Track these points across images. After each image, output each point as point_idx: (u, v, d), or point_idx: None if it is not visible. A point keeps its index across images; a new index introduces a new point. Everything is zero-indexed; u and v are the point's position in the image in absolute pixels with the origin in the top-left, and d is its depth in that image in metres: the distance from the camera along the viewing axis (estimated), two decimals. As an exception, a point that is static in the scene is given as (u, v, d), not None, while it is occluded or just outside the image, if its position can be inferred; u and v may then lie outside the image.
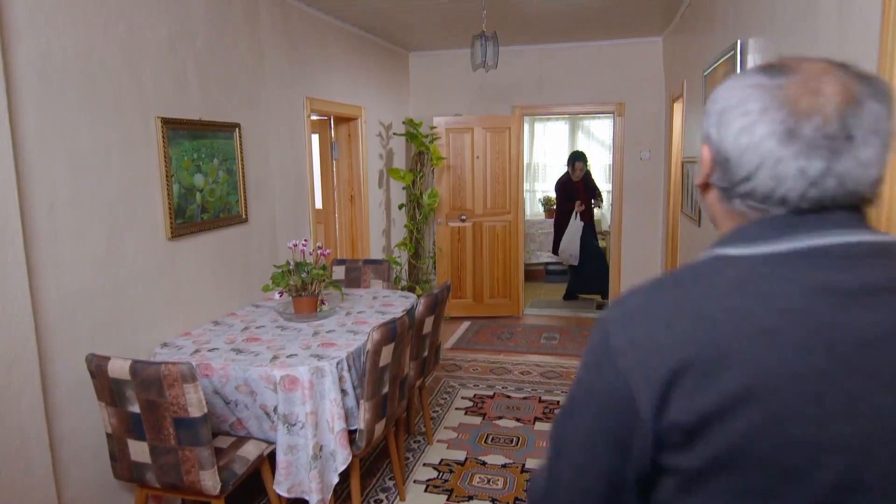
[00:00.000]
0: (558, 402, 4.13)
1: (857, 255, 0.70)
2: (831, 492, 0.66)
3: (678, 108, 4.79)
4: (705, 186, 0.81)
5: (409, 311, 2.86)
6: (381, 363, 2.61)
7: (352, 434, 2.64)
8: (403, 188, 6.10)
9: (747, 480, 0.67)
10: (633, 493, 0.74)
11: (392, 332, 2.62)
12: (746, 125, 0.72)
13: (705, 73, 3.44)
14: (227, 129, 3.38)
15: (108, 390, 2.21)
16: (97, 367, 2.20)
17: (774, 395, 0.66)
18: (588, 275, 6.68)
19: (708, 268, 0.75)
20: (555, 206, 7.44)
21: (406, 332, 2.80)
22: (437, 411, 4.02)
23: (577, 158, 6.70)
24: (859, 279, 0.69)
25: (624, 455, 0.73)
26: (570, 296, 6.94)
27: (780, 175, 0.71)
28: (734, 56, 2.74)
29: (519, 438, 3.62)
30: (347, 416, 2.59)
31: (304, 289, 3.17)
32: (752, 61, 2.60)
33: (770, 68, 0.74)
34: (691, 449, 0.69)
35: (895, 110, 0.71)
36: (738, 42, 2.70)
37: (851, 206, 0.72)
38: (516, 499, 3.00)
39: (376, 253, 5.66)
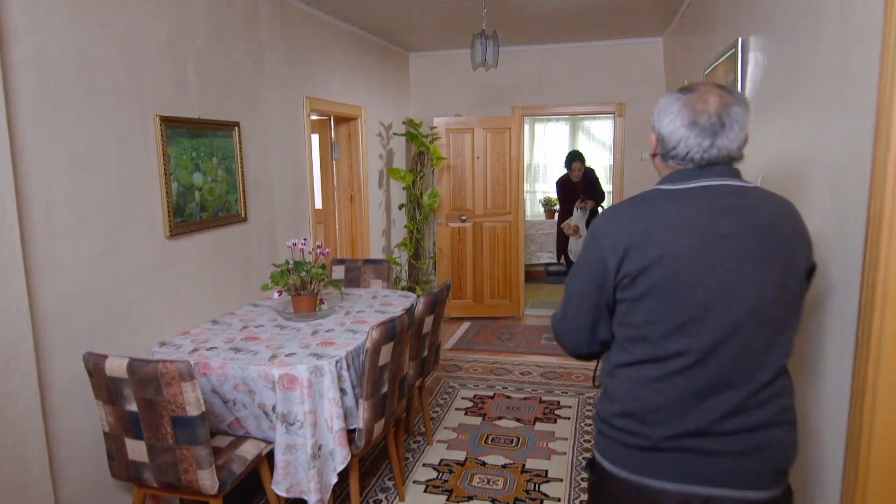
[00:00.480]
0: (559, 402, 4.11)
1: (725, 191, 1.31)
2: (701, 307, 1.26)
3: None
4: (654, 155, 1.43)
5: (409, 310, 2.85)
6: (381, 362, 2.59)
7: (351, 433, 2.62)
8: (403, 188, 6.09)
9: (660, 302, 1.28)
10: (607, 314, 1.39)
11: (391, 331, 2.61)
12: (671, 119, 1.34)
13: (706, 73, 3.43)
14: (227, 127, 3.38)
15: (106, 389, 2.20)
16: (94, 365, 2.19)
17: (674, 258, 1.26)
18: None
19: (651, 194, 1.36)
20: (556, 207, 7.42)
21: (405, 332, 2.78)
22: (437, 411, 4.01)
23: (573, 159, 6.67)
24: (724, 202, 1.29)
25: (601, 292, 1.36)
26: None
27: (689, 146, 1.32)
28: (735, 54, 2.74)
29: (519, 439, 3.61)
30: (346, 416, 2.58)
31: (304, 288, 3.16)
32: (753, 59, 2.59)
33: (683, 89, 1.36)
34: (633, 287, 1.30)
35: (749, 110, 1.33)
36: (739, 40, 2.70)
37: (727, 163, 1.34)
38: (516, 499, 2.98)
39: (376, 253, 5.65)
